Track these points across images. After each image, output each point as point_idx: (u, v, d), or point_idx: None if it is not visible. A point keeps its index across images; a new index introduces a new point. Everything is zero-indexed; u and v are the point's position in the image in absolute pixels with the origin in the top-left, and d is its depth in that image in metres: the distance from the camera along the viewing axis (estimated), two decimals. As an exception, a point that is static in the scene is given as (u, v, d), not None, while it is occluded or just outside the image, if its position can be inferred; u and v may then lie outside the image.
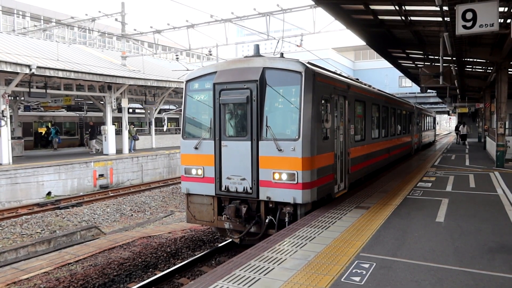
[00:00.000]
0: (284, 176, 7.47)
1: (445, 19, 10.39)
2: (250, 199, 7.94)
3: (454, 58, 15.32)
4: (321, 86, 7.92)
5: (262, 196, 7.73)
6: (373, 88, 13.55)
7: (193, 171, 8.47)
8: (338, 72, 10.66)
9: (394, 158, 16.31)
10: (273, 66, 7.78)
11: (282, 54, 8.73)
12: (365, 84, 12.58)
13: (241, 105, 7.96)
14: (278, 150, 7.48)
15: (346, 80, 10.04)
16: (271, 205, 7.79)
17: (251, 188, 7.82)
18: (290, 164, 7.42)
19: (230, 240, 9.19)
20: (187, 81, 8.80)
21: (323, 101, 8.00)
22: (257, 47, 8.76)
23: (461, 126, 33.55)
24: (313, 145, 7.50)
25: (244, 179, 7.88)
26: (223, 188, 8.12)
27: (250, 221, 7.93)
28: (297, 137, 7.41)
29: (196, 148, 8.39)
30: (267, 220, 7.74)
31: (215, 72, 8.31)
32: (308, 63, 8.01)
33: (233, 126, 8.25)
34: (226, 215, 8.04)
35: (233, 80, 7.95)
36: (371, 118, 12.28)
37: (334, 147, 8.70)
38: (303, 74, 7.48)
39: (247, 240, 8.22)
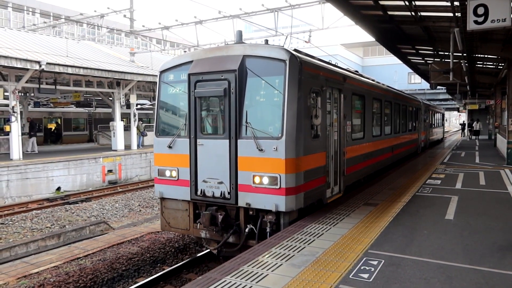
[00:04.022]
0: (266, 180, 6.62)
1: (456, 14, 10.27)
2: (228, 205, 7.11)
3: (464, 54, 15.11)
4: (309, 77, 7.06)
5: (241, 202, 6.89)
6: (376, 82, 12.91)
7: (167, 173, 7.66)
8: (336, 64, 9.69)
9: (398, 157, 15.50)
10: (254, 53, 6.91)
11: (266, 41, 7.91)
12: (366, 78, 11.71)
13: (219, 98, 7.13)
14: (259, 150, 6.63)
15: (341, 71, 9.09)
16: (251, 213, 6.95)
17: (229, 193, 6.99)
18: (272, 166, 6.57)
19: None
20: (161, 72, 7.95)
21: (312, 94, 7.11)
22: (239, 34, 7.86)
23: (475, 123, 35.25)
24: (299, 144, 6.66)
25: (221, 182, 7.05)
26: (198, 193, 7.30)
27: (228, 230, 7.10)
28: (280, 135, 6.54)
29: (170, 147, 7.59)
30: (247, 230, 6.91)
31: (191, 62, 7.49)
32: (294, 50, 7.18)
33: (210, 123, 7.47)
34: (200, 223, 7.26)
35: (209, 70, 7.11)
36: (372, 114, 11.33)
37: (326, 146, 7.88)
38: (287, 62, 6.59)
39: (225, 251, 7.45)
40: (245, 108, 6.89)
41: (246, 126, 6.81)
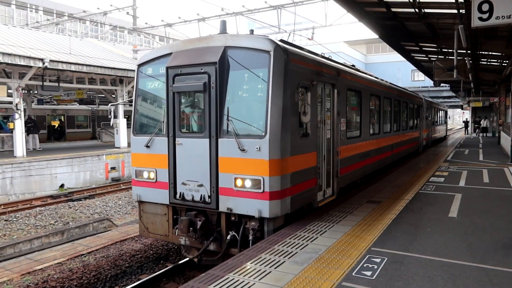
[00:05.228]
0: (248, 183, 6.08)
1: (460, 11, 10.21)
2: (208, 210, 6.61)
3: (468, 51, 15.06)
4: (297, 70, 6.49)
5: (222, 207, 6.37)
6: (380, 79, 12.56)
7: (145, 174, 7.17)
8: (330, 57, 9.06)
9: (398, 157, 14.96)
10: (236, 44, 6.37)
11: (252, 31, 7.43)
12: (363, 73, 11.17)
13: (198, 93, 6.62)
14: (241, 150, 6.10)
15: (335, 65, 8.49)
16: (233, 218, 6.45)
17: (209, 197, 6.48)
18: (255, 167, 6.04)
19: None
20: (139, 65, 7.42)
21: (301, 89, 6.47)
22: (223, 24, 7.26)
23: (482, 120, 37.75)
24: (285, 143, 6.11)
25: (201, 185, 6.54)
26: (177, 196, 6.80)
27: (209, 236, 6.63)
28: (263, 133, 5.99)
29: (147, 146, 7.09)
30: (228, 237, 6.42)
31: (170, 54, 6.97)
32: (280, 40, 6.68)
33: (189, 120, 6.97)
34: (178, 229, 6.77)
35: (188, 63, 6.58)
36: (369, 111, 10.76)
37: (317, 145, 7.32)
38: (271, 53, 6.03)
39: (205, 260, 6.96)
40: (227, 104, 6.34)
41: (227, 123, 6.28)
